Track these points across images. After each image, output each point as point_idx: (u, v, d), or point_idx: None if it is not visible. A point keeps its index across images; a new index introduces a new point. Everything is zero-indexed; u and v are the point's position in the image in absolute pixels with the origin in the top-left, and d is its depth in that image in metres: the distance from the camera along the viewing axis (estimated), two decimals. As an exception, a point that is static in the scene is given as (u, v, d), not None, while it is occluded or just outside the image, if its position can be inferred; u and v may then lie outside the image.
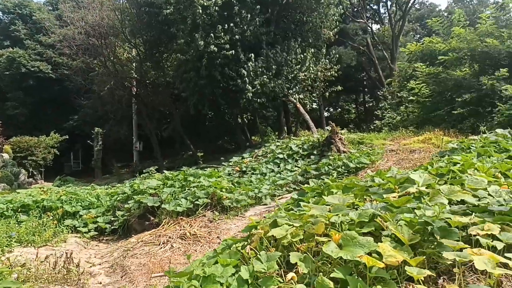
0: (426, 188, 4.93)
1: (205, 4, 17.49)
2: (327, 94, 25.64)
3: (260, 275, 3.05)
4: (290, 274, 2.87)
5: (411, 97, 18.18)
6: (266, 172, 12.56)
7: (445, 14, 36.23)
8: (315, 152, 13.48)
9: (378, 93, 26.48)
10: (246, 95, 17.83)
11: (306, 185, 6.07)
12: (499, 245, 2.99)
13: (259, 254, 3.13)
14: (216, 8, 17.61)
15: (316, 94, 23.90)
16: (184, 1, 18.43)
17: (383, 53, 33.48)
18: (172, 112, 26.37)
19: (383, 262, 2.83)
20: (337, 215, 3.58)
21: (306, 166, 11.34)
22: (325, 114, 44.35)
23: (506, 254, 2.98)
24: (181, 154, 29.73)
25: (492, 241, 3.03)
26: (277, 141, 17.31)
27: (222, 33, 17.47)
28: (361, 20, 31.57)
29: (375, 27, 38.46)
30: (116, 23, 24.67)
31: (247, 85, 17.69)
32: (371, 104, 41.48)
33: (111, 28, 25.35)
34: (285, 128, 27.08)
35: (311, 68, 20.72)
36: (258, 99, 18.71)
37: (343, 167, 10.44)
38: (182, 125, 26.11)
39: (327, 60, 22.57)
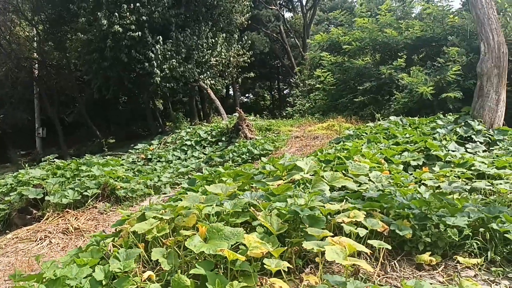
0: (312, 175, 4.96)
1: (108, -20, 16.42)
2: (239, 80, 25.67)
3: (121, 274, 2.81)
4: (147, 273, 2.65)
5: (317, 85, 18.71)
6: (172, 160, 12.23)
7: (357, 5, 37.58)
8: (223, 138, 13.39)
9: (291, 80, 26.97)
10: (154, 79, 17.14)
11: (197, 173, 5.88)
12: (362, 232, 3.00)
13: (118, 252, 2.87)
14: (121, -15, 16.61)
15: (229, 80, 23.76)
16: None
17: (295, 41, 34.12)
18: (77, 96, 24.70)
19: (247, 255, 2.72)
20: (210, 205, 3.41)
21: (211, 153, 11.17)
22: (244, 100, 44.54)
23: (369, 241, 3.01)
24: (91, 140, 28.02)
25: (356, 228, 3.04)
26: (188, 128, 16.98)
27: (128, 13, 16.49)
28: (273, 7, 31.74)
29: (288, 14, 38.98)
30: (14, -2, 22.35)
31: (155, 68, 16.98)
32: (285, 91, 42.26)
33: (8, 3, 22.90)
34: (201, 114, 26.65)
35: (223, 53, 20.45)
36: (168, 84, 18.11)
37: (247, 154, 10.42)
38: (90, 110, 24.54)
39: (239, 46, 22.43)
